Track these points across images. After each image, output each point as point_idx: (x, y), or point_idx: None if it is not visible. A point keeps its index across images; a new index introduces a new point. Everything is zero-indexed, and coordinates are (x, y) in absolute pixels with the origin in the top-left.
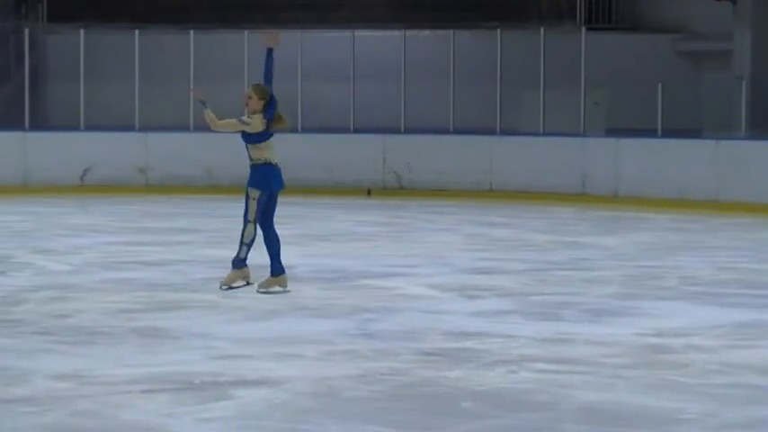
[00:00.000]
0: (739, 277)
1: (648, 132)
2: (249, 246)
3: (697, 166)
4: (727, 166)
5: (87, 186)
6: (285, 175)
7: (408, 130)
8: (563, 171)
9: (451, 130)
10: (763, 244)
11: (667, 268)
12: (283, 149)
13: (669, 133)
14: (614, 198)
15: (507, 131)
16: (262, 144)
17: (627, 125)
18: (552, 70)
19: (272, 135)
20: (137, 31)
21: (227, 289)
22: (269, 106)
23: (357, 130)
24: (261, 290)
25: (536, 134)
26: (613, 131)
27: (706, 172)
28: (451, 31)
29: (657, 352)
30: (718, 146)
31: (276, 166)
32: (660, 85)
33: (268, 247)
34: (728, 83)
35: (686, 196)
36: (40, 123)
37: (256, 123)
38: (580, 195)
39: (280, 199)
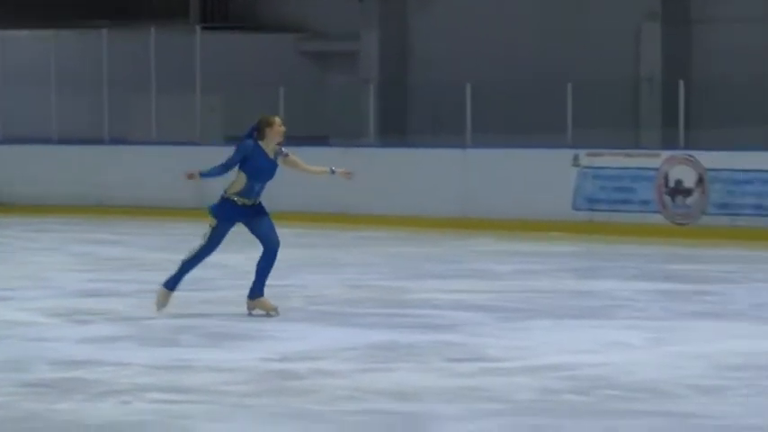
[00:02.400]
0: (371, 296)
1: None
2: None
3: (324, 176)
4: (354, 174)
5: None
6: None
7: (7, 140)
8: (177, 183)
9: (55, 139)
10: (395, 259)
11: (293, 287)
12: None
13: (293, 140)
14: None
15: (116, 140)
16: None
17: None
18: (164, 73)
19: None
20: None
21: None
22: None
23: None
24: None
25: (148, 143)
26: (233, 139)
27: (331, 181)
28: (53, 31)
29: (283, 378)
30: (346, 154)
31: None
32: (282, 89)
33: None
34: (356, 86)
35: (313, 209)
36: None
37: None
38: (197, 209)
39: None
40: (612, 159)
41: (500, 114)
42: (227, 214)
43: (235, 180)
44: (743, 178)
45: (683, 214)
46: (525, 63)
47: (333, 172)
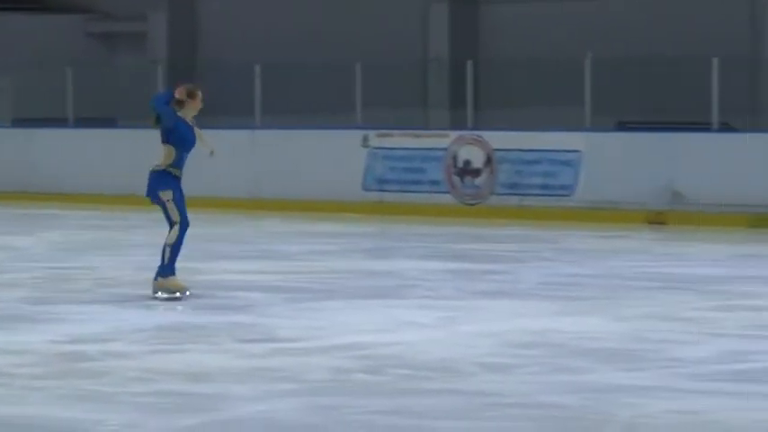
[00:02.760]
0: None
1: (59, 121)
2: None
3: (114, 157)
4: (142, 157)
5: None
6: None
7: None
8: None
9: None
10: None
11: (82, 269)
12: None
13: (82, 122)
14: (25, 194)
15: None
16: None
17: (36, 114)
18: None
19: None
20: None
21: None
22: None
23: None
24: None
25: None
26: (21, 121)
27: (123, 164)
28: None
29: (73, 360)
30: (135, 134)
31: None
32: (70, 70)
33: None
34: (144, 67)
35: (104, 191)
36: None
37: None
38: None
39: None
40: (402, 140)
41: (290, 95)
42: (173, 181)
43: (165, 154)
44: (530, 158)
45: (471, 194)
46: (315, 44)
47: (211, 153)
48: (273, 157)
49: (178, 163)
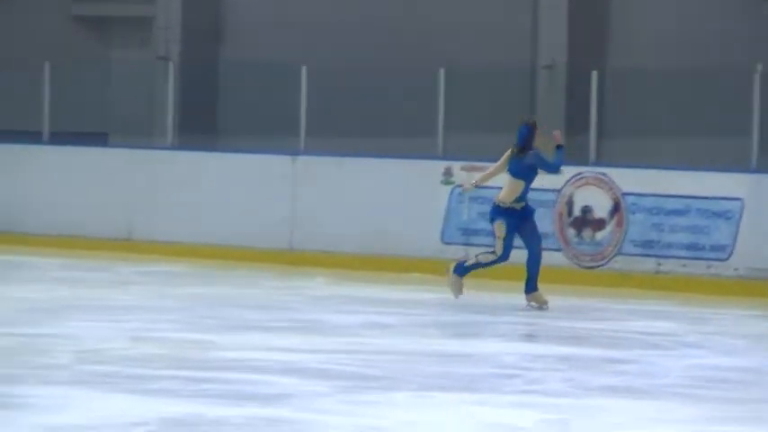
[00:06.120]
0: (164, 352)
1: (31, 136)
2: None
3: (102, 187)
4: (141, 187)
5: None
6: None
7: None
8: None
9: None
10: (197, 304)
11: (56, 338)
12: None
13: (61, 137)
14: None
15: None
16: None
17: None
18: None
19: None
20: None
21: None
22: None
23: None
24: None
25: None
26: None
27: (114, 196)
28: None
29: None
30: (132, 156)
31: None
32: (48, 66)
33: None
34: (149, 65)
35: (88, 233)
36: None
37: None
38: None
39: None
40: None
41: (344, 110)
42: (512, 216)
43: (511, 187)
44: (672, 207)
45: (590, 254)
46: (379, 43)
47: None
48: (320, 194)
49: (524, 196)
